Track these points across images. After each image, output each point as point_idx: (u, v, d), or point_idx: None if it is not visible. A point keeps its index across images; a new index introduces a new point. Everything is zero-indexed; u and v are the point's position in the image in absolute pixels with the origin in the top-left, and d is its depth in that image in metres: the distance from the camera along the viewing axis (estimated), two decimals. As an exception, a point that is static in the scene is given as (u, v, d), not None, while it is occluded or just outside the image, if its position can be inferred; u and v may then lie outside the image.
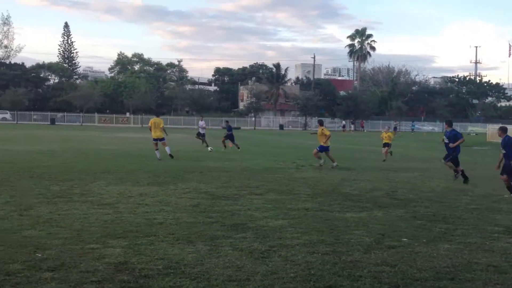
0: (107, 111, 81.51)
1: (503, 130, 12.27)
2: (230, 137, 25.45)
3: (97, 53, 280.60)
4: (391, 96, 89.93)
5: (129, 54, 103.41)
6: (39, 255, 5.80)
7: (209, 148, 23.67)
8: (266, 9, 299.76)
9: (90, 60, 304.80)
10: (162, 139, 18.74)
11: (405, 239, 7.20)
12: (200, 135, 27.51)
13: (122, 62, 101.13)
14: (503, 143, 11.74)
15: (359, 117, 78.92)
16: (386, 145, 21.99)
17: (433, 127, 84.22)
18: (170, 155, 18.51)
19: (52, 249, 6.04)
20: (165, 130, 19.09)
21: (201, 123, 28.41)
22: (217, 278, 5.27)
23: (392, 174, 16.18)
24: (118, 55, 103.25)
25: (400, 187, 12.96)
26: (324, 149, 17.82)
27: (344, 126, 75.57)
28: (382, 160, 20.71)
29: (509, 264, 6.09)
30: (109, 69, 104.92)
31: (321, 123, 19.15)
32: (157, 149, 18.58)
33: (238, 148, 24.54)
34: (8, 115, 72.05)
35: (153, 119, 19.14)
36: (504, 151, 11.66)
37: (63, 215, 8.09)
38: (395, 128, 23.72)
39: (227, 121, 28.41)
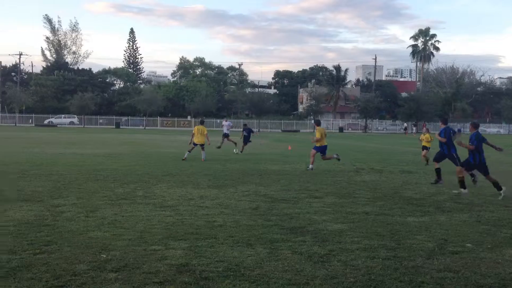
0: (169, 114, 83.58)
1: (474, 126, 12.63)
2: (245, 139, 25.17)
3: (160, 58, 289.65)
4: (455, 98, 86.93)
5: (191, 58, 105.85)
6: (104, 256, 5.99)
7: (218, 145, 25.15)
8: (327, 11, 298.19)
9: (154, 65, 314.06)
10: (202, 145, 19.55)
11: (469, 245, 6.96)
12: (225, 136, 27.17)
13: (184, 67, 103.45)
14: (472, 137, 12.12)
15: (421, 119, 76.79)
16: (424, 148, 20.72)
17: (498, 129, 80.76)
18: (204, 160, 19.19)
19: (116, 250, 6.23)
20: (208, 137, 19.81)
21: (227, 123, 28.25)
22: (276, 281, 5.25)
23: (455, 177, 15.52)
24: (180, 59, 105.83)
25: None
26: (319, 149, 17.27)
27: (405, 129, 73.74)
28: (424, 164, 19.67)
29: None
30: (172, 73, 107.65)
31: (317, 123, 18.38)
32: (189, 151, 19.49)
33: (241, 152, 24.09)
34: (75, 119, 75.37)
35: (198, 126, 20.05)
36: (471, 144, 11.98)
37: (127, 216, 8.34)
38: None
39: (245, 124, 27.83)
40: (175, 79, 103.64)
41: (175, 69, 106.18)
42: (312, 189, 12.25)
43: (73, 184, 12.02)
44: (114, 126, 71.09)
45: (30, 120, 72.93)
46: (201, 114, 77.64)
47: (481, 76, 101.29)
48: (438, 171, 13.91)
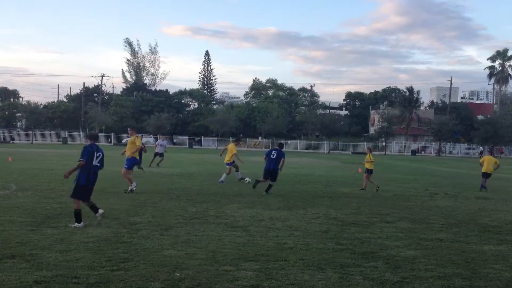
0: (241, 135, 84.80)
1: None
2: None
3: (233, 79, 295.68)
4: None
5: (263, 79, 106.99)
6: (178, 274, 6.18)
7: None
8: (400, 32, 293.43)
9: (227, 86, 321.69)
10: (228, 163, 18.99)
11: (552, 277, 6.56)
12: (157, 154, 26.73)
13: (257, 88, 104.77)
14: None
15: (498, 143, 73.13)
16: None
17: None
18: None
19: (189, 269, 6.41)
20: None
21: (161, 141, 27.85)
22: (347, 307, 5.20)
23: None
24: (253, 80, 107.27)
25: None
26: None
27: (481, 153, 70.45)
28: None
29: None
30: (244, 94, 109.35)
31: (281, 146, 16.94)
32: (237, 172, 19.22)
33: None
34: (151, 139, 78.15)
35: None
36: None
37: (200, 236, 8.54)
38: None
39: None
40: (247, 100, 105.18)
41: (247, 90, 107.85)
42: (383, 213, 12.01)
43: (148, 202, 12.48)
44: (187, 146, 73.03)
45: (109, 139, 76.36)
46: (271, 135, 78.20)
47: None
48: None
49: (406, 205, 13.72)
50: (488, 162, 19.79)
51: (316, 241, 8.42)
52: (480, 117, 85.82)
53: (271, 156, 16.07)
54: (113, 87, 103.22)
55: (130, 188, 14.37)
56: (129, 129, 16.02)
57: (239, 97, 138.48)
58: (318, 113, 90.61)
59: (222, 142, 77.04)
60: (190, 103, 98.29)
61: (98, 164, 9.38)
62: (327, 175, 24.13)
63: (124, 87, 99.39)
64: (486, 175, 19.50)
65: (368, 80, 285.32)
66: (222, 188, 16.30)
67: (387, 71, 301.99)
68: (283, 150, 16.56)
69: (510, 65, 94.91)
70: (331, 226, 9.94)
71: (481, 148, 73.44)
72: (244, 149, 73.17)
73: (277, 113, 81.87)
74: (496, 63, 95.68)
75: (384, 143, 76.88)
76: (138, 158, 16.55)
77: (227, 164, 19.07)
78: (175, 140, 78.42)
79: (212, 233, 8.84)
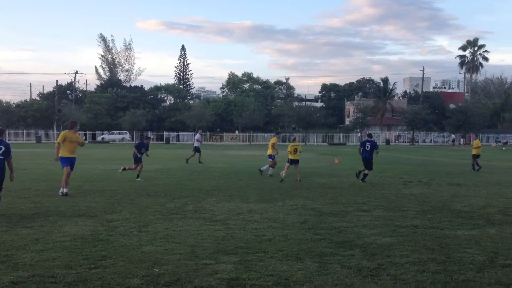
0: (218, 129, 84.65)
1: None
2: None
3: (209, 73, 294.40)
4: (504, 108, 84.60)
5: (239, 73, 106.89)
6: (157, 270, 6.17)
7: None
8: (373, 23, 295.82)
9: (203, 81, 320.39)
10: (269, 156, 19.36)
11: (521, 258, 6.80)
12: (195, 149, 27.00)
13: (233, 82, 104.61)
14: None
15: (469, 131, 74.67)
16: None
17: None
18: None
19: (168, 265, 6.41)
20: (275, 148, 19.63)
21: (197, 136, 28.11)
22: (326, 296, 5.28)
23: (505, 189, 15.26)
24: (229, 74, 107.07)
25: None
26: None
27: (453, 140, 71.75)
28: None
29: None
30: (221, 88, 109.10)
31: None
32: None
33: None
34: (127, 136, 77.45)
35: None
36: None
37: (178, 231, 8.53)
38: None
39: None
40: (223, 94, 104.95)
41: (223, 84, 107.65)
42: (360, 202, 12.18)
43: (126, 199, 12.39)
44: (164, 142, 72.60)
45: (84, 137, 75.21)
46: (248, 129, 78.23)
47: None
48: None
49: (382, 194, 13.93)
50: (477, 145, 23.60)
51: (294, 232, 8.50)
52: (451, 105, 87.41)
53: (366, 148, 17.38)
54: (86, 84, 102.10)
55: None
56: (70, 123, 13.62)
57: (215, 92, 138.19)
58: (294, 106, 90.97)
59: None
60: (166, 98, 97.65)
61: (2, 157, 9.61)
62: (304, 167, 24.24)
63: (98, 84, 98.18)
64: (477, 157, 23.05)
65: (342, 71, 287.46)
66: (200, 183, 16.29)
67: (361, 62, 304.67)
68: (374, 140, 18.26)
69: (480, 54, 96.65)
70: (309, 217, 10.04)
71: (453, 136, 74.76)
72: (221, 143, 73.17)
73: (253, 107, 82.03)
74: (467, 52, 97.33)
75: (359, 134, 77.63)
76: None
77: (270, 157, 19.34)
78: (151, 136, 77.70)
79: (191, 227, 8.84)
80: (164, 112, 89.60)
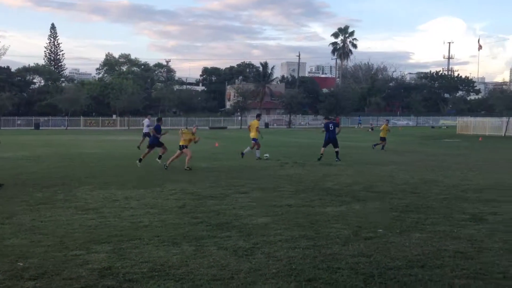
0: (93, 113, 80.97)
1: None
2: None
3: (84, 54, 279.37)
4: (370, 93, 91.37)
5: (116, 55, 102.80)
6: (21, 264, 5.74)
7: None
8: (252, 8, 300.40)
9: (77, 62, 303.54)
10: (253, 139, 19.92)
11: (380, 230, 7.43)
12: (144, 135, 26.76)
13: (110, 63, 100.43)
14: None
15: (340, 114, 79.43)
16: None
17: (408, 122, 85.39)
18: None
19: (34, 258, 5.99)
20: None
21: (146, 121, 27.90)
22: (202, 278, 5.28)
23: (370, 168, 16.51)
24: (106, 56, 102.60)
25: (378, 180, 13.34)
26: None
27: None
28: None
29: (475, 250, 6.36)
30: (97, 69, 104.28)
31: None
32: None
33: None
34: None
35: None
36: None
37: (46, 222, 8.02)
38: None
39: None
40: (100, 76, 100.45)
41: (100, 65, 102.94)
42: (238, 184, 12.37)
43: (-12, 190, 11.39)
44: (33, 127, 67.86)
45: None
46: (127, 113, 75.88)
47: (393, 72, 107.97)
48: None
49: (260, 176, 14.28)
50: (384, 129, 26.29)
51: (172, 217, 8.40)
52: (325, 90, 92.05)
53: (330, 128, 19.36)
54: None
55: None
56: None
57: (90, 74, 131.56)
58: (175, 89, 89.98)
59: (72, 122, 73.00)
60: (36, 80, 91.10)
61: None
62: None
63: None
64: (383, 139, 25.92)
65: (223, 55, 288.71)
66: (72, 171, 15.46)
67: (241, 46, 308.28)
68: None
69: (350, 42, 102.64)
70: (188, 201, 9.98)
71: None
72: (98, 128, 70.23)
73: (132, 90, 79.39)
74: (339, 39, 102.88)
75: (239, 118, 78.90)
76: None
77: (253, 139, 19.77)
78: (18, 122, 72.39)
79: (61, 217, 8.35)
80: (33, 95, 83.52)
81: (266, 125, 77.68)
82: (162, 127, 18.00)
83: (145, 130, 26.55)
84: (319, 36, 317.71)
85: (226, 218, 8.32)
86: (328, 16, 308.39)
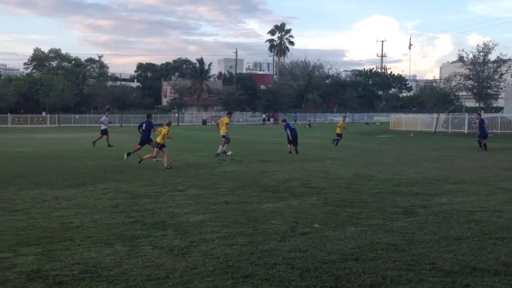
0: (22, 111, 77.44)
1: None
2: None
3: (11, 49, 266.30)
4: (307, 89, 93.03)
5: (45, 49, 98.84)
6: None
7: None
8: (187, 3, 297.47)
9: (3, 57, 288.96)
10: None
11: (316, 225, 7.55)
12: (102, 132, 26.18)
13: (39, 58, 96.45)
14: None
15: (278, 110, 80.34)
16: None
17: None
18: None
19: (-45, 263, 5.65)
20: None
21: (104, 118, 27.33)
22: (136, 278, 5.17)
23: (307, 164, 16.79)
24: (34, 50, 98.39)
25: (314, 176, 13.55)
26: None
27: (264, 120, 76.47)
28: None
29: (407, 242, 6.57)
30: (25, 63, 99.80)
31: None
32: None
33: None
34: None
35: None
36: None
37: (-31, 224, 7.58)
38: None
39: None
40: (28, 72, 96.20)
41: (28, 61, 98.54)
42: (175, 182, 12.22)
43: None
44: (-44, 126, 63.98)
45: None
46: (57, 110, 73.13)
47: (329, 69, 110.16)
48: None
49: (197, 173, 14.16)
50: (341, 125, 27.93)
51: (105, 217, 8.16)
52: (262, 87, 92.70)
53: (291, 127, 21.31)
54: None
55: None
56: None
57: (18, 69, 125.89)
58: (108, 85, 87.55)
59: None
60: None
61: None
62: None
63: None
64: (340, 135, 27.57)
65: (159, 51, 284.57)
66: (-1, 170, 14.71)
67: (177, 42, 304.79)
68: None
69: (287, 39, 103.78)
70: (122, 200, 9.74)
71: (263, 115, 79.51)
72: (27, 125, 67.23)
73: (62, 86, 76.53)
74: (275, 37, 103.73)
75: (176, 114, 78.01)
76: None
77: (223, 137, 19.85)
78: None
79: (-15, 220, 7.92)
80: (-45, 92, 78.81)
81: (204, 122, 77.26)
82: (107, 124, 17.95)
83: (103, 127, 26.07)
84: (256, 32, 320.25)
85: (161, 217, 8.18)
86: (265, 13, 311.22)
